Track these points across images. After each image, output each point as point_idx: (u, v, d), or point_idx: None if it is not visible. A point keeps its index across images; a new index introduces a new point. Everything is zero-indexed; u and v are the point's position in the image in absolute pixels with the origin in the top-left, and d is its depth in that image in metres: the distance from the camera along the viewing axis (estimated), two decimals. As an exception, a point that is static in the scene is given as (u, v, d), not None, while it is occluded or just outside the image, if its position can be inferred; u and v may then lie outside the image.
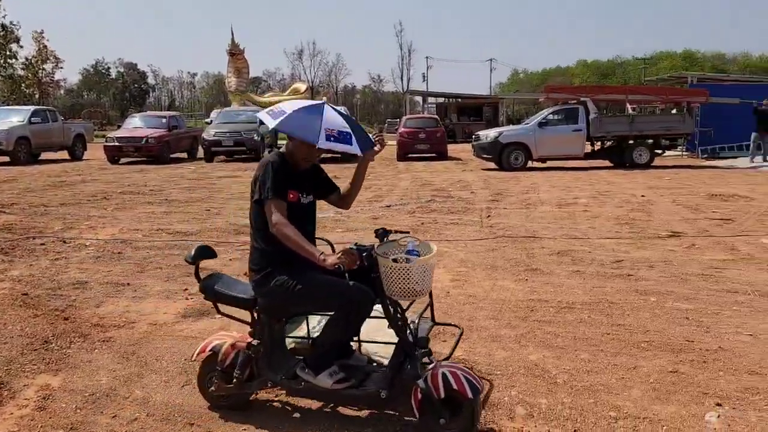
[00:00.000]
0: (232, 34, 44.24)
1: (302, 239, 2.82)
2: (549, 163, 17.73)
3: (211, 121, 25.60)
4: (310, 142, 2.82)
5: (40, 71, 52.49)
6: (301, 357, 3.15)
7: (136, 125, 21.07)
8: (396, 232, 3.20)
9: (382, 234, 3.10)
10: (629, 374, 3.60)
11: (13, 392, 3.46)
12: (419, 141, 21.24)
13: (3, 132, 18.65)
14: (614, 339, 4.15)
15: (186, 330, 4.44)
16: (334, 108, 3.04)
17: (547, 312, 4.72)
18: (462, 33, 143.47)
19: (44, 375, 3.68)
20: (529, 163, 17.33)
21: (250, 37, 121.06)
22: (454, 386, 2.76)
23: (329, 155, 17.41)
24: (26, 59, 51.00)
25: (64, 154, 21.77)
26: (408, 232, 3.26)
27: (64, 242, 7.38)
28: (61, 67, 57.33)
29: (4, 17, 45.46)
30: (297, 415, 3.18)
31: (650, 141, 17.71)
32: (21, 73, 50.68)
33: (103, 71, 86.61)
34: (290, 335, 3.35)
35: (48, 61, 52.82)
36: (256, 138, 20.13)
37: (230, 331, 3.47)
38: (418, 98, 51.25)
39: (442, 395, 2.77)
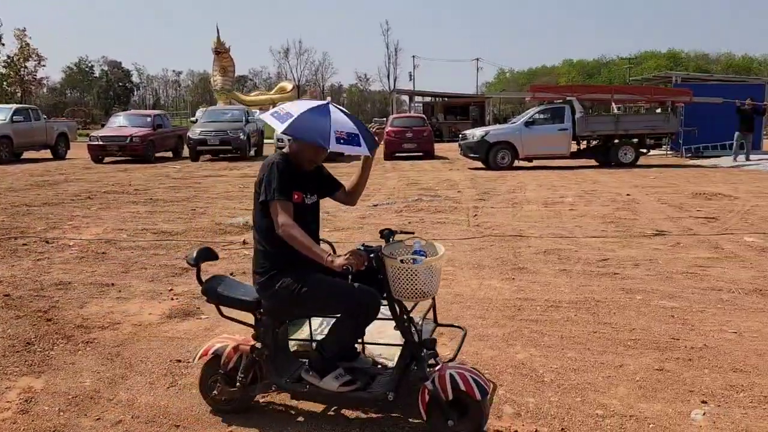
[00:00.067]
0: (218, 32, 44.01)
1: (309, 240, 2.79)
2: (535, 162, 17.81)
3: (197, 119, 25.46)
4: (322, 146, 2.79)
5: (22, 69, 51.87)
6: (305, 360, 3.11)
7: (120, 124, 20.88)
8: (402, 232, 3.16)
9: (387, 234, 3.07)
10: (616, 372, 3.62)
11: (-6, 395, 3.40)
12: (406, 140, 21.25)
13: (-16, 131, 18.40)
14: (601, 337, 4.16)
15: (171, 331, 4.40)
16: (338, 107, 3.00)
17: (533, 311, 4.73)
18: (448, 32, 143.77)
19: (27, 377, 3.63)
20: (516, 162, 17.41)
21: (236, 35, 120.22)
22: (462, 387, 2.73)
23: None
24: (8, 57, 50.42)
25: (46, 153, 21.54)
26: (413, 233, 3.22)
27: (47, 242, 7.29)
28: (44, 65, 56.64)
29: (-15, 15, 44.85)
30: (301, 418, 3.13)
31: (635, 140, 17.86)
32: (3, 71, 50.12)
33: (87, 69, 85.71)
34: (292, 338, 3.30)
35: (30, 59, 52.19)
36: (242, 137, 20.03)
37: (232, 334, 3.42)
38: (405, 97, 51.24)
39: (450, 397, 2.74)
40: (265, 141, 23.91)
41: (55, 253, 6.77)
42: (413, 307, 3.01)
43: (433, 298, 3.12)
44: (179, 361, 3.85)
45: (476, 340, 4.13)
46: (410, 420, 3.02)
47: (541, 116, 17.80)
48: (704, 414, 3.12)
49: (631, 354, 3.88)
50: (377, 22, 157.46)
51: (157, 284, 5.55)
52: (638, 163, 17.59)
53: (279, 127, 2.82)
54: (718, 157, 19.68)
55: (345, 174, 3.86)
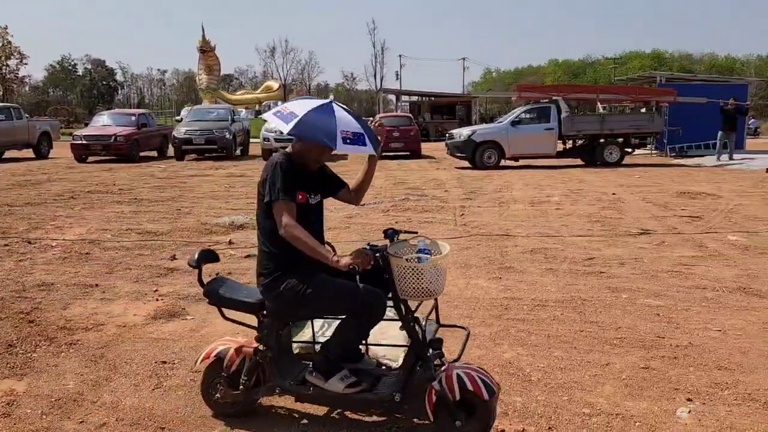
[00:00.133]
0: (203, 30, 43.82)
1: (313, 241, 2.76)
2: (522, 162, 17.88)
3: (182, 119, 25.27)
4: (329, 146, 2.76)
5: (4, 68, 51.23)
6: (308, 362, 3.07)
7: (104, 123, 20.66)
8: (406, 232, 3.14)
9: (391, 234, 3.04)
10: (602, 371, 3.64)
11: (-25, 399, 3.34)
12: (393, 139, 21.22)
13: (-35, 129, 18.13)
14: (587, 336, 4.18)
15: (156, 332, 4.35)
16: (340, 105, 2.97)
17: (520, 310, 4.74)
18: (435, 32, 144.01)
19: (8, 380, 3.57)
20: (502, 162, 17.47)
21: (222, 34, 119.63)
22: (470, 387, 2.71)
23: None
24: (-11, 55, 49.75)
25: (29, 153, 21.25)
26: (416, 232, 3.19)
27: (29, 243, 7.19)
28: (26, 64, 56.00)
29: (-35, 12, 44.24)
30: (305, 420, 3.09)
31: (620, 140, 17.98)
32: (-16, 69, 49.42)
33: (70, 68, 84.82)
34: (294, 339, 3.26)
35: (12, 57, 51.57)
36: (227, 136, 19.91)
37: (234, 336, 3.37)
38: (392, 96, 51.23)
39: (458, 397, 2.72)
40: (251, 140, 23.79)
41: (38, 253, 6.68)
42: (417, 308, 2.99)
43: (435, 299, 3.08)
44: (164, 362, 3.81)
45: (463, 339, 4.12)
46: (415, 420, 3.00)
47: (528, 116, 17.88)
48: (689, 412, 3.14)
49: (617, 352, 3.90)
50: (364, 22, 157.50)
51: (141, 285, 5.49)
52: (623, 162, 17.72)
53: (284, 128, 2.78)
54: (702, 156, 19.89)
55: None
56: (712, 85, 23.94)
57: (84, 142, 19.20)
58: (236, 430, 3.03)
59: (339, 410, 3.13)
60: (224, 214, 9.12)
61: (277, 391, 3.00)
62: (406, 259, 2.76)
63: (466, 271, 5.91)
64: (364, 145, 2.82)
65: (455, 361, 2.93)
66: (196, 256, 3.06)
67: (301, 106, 2.88)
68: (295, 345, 3.23)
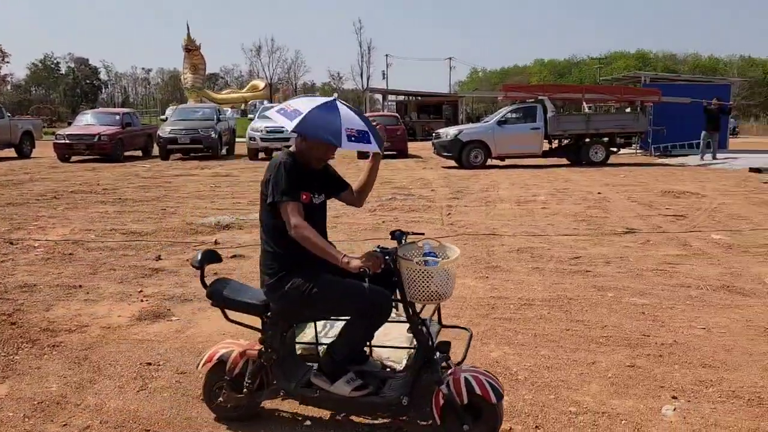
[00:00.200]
0: (188, 29, 43.53)
1: (323, 241, 2.72)
2: (508, 161, 17.95)
3: (167, 118, 25.09)
4: (334, 144, 2.73)
5: (-15, 66, 50.55)
6: (311, 364, 3.03)
7: (87, 122, 20.44)
8: (413, 233, 3.10)
9: (399, 236, 3.00)
10: (588, 369, 3.65)
11: (-45, 402, 3.29)
12: (379, 139, 21.20)
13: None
14: (573, 335, 4.20)
15: (141, 333, 4.31)
16: (344, 103, 2.94)
17: (507, 309, 4.75)
18: (421, 31, 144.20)
19: (-11, 383, 3.52)
20: (489, 161, 17.52)
21: (207, 32, 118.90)
22: (478, 391, 2.68)
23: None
24: (-30, 53, 49.08)
25: (11, 152, 20.96)
26: (423, 233, 3.16)
27: (11, 243, 7.09)
28: (8, 62, 55.38)
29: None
30: (308, 422, 3.06)
31: (606, 139, 18.12)
32: (-35, 67, 48.74)
33: (53, 66, 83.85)
34: (296, 341, 3.21)
35: (-7, 55, 50.91)
36: (213, 136, 19.80)
37: (235, 338, 3.33)
38: (378, 96, 51.23)
39: (466, 401, 2.70)
40: (237, 140, 23.68)
41: (20, 254, 6.59)
42: (421, 310, 2.96)
43: None
44: (149, 364, 3.77)
45: (450, 338, 4.11)
46: (419, 422, 2.98)
47: (514, 115, 17.95)
48: (675, 409, 3.16)
49: (603, 351, 3.92)
50: (350, 21, 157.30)
51: (126, 286, 5.43)
52: (609, 161, 17.86)
53: (288, 125, 2.74)
54: (686, 155, 20.09)
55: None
56: (695, 85, 24.19)
57: (67, 141, 18.99)
58: (228, 432, 3.00)
59: (342, 413, 3.09)
60: (210, 214, 9.06)
61: (282, 394, 2.96)
62: (417, 263, 2.73)
63: (453, 270, 5.91)
64: (369, 142, 2.78)
65: (460, 363, 2.90)
66: (199, 257, 3.01)
67: (304, 104, 2.84)
68: (297, 346, 3.19)
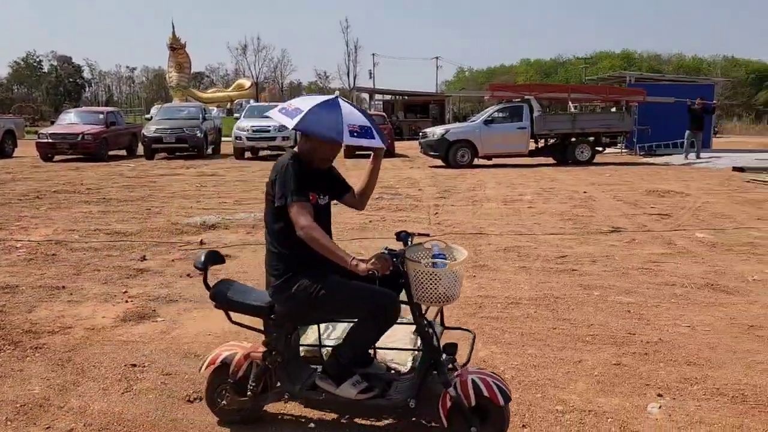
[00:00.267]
0: (173, 27, 43.24)
1: (332, 243, 2.70)
2: (495, 160, 18.02)
3: (152, 117, 24.89)
4: (336, 140, 2.70)
5: (-33, 64, 49.77)
6: (315, 366, 3.00)
7: (71, 121, 20.21)
8: (419, 234, 3.08)
9: (404, 237, 2.98)
10: (575, 368, 3.67)
11: (-65, 406, 3.23)
12: (366, 138, 21.17)
13: (-75, 127, 17.57)
14: (560, 333, 4.22)
15: (126, 334, 4.26)
16: (347, 101, 2.91)
17: (494, 308, 4.76)
18: (408, 31, 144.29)
19: (-30, 386, 3.46)
20: (476, 160, 17.57)
21: (192, 31, 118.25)
22: (485, 393, 2.67)
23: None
24: (-49, 51, 48.31)
25: (-7, 151, 20.70)
26: (428, 234, 3.14)
27: (-7, 244, 6.99)
28: (-10, 60, 54.40)
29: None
30: (312, 425, 3.03)
31: (591, 138, 18.23)
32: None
33: (35, 64, 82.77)
34: (299, 343, 3.18)
35: (-25, 53, 50.14)
36: (198, 135, 19.67)
37: (240, 341, 3.30)
38: (365, 95, 51.16)
39: (473, 403, 2.69)
40: (223, 139, 23.54)
41: (2, 255, 6.50)
42: (425, 311, 2.94)
43: None
44: (134, 365, 3.73)
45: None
46: (424, 423, 2.96)
47: (500, 115, 18.02)
48: (660, 407, 3.18)
49: (590, 349, 3.94)
50: (337, 20, 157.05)
51: (110, 286, 5.38)
52: (594, 161, 17.98)
53: (289, 123, 2.71)
54: (670, 155, 20.29)
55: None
56: (679, 85, 24.44)
57: (50, 140, 18.76)
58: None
59: (347, 415, 3.06)
60: (195, 214, 8.99)
61: (286, 396, 2.93)
62: (425, 264, 2.72)
63: (440, 269, 5.91)
64: (372, 137, 2.75)
65: (465, 364, 2.89)
66: (203, 258, 2.96)
67: (305, 102, 2.81)
68: (300, 348, 3.15)
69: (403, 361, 3.08)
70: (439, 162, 17.78)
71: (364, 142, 2.73)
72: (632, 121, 19.15)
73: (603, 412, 3.13)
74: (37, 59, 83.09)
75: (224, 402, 2.98)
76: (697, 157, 18.37)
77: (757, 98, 62.62)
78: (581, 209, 9.43)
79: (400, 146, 24.35)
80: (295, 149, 2.93)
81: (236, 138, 19.66)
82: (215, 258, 3.04)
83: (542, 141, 18.59)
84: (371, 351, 3.09)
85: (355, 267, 2.60)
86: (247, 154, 20.12)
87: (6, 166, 17.34)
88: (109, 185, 12.70)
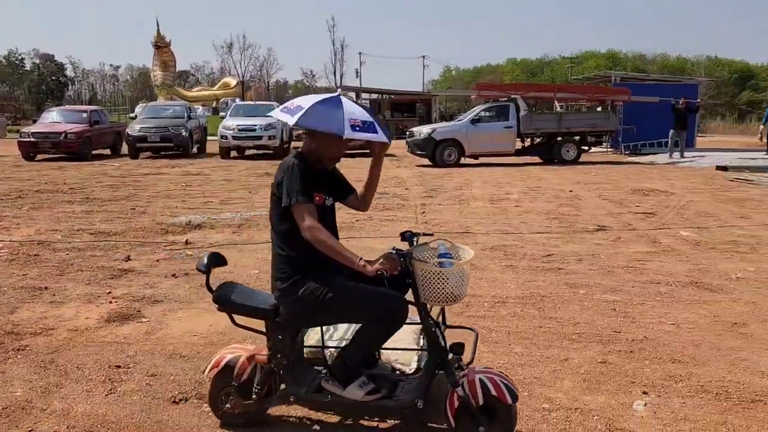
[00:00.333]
0: (158, 25, 42.82)
1: (338, 244, 2.67)
2: (481, 159, 18.07)
3: (136, 115, 24.68)
4: (336, 133, 2.66)
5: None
6: (320, 368, 2.97)
7: (53, 120, 19.97)
8: (424, 234, 3.06)
9: (410, 237, 2.96)
10: (561, 366, 3.68)
11: None
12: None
13: None
14: (546, 332, 4.23)
15: (110, 335, 4.21)
16: (349, 98, 2.89)
17: (481, 307, 4.77)
18: (395, 30, 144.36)
19: (-50, 389, 3.40)
20: (462, 160, 17.61)
21: (177, 29, 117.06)
22: (493, 392, 2.66)
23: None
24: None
25: (-26, 150, 20.44)
26: (432, 234, 3.12)
27: (-26, 244, 6.89)
28: (-30, 58, 53.69)
29: None
30: (317, 427, 3.00)
31: (577, 138, 18.35)
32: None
33: (17, 62, 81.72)
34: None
35: (-45, 51, 49.39)
36: (184, 134, 19.53)
37: (244, 344, 3.26)
38: (352, 94, 50.97)
39: (481, 402, 2.68)
40: (209, 138, 23.40)
41: (-17, 255, 6.41)
42: (430, 310, 2.92)
43: None
44: (118, 366, 3.69)
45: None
46: (430, 425, 2.94)
47: (487, 114, 18.07)
48: (645, 404, 3.21)
49: (576, 348, 3.96)
50: (323, 18, 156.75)
51: (94, 287, 5.31)
52: (580, 160, 18.09)
53: (290, 120, 2.70)
54: (655, 154, 20.45)
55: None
56: (664, 84, 24.66)
57: (32, 139, 18.54)
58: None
59: (351, 417, 3.04)
60: (181, 214, 8.92)
61: (291, 399, 2.89)
62: (433, 264, 2.70)
63: (427, 268, 5.91)
64: (375, 132, 2.74)
65: (469, 364, 2.88)
66: (206, 260, 2.92)
67: (307, 100, 2.79)
68: (304, 350, 3.13)
69: (408, 362, 3.06)
70: (426, 161, 17.80)
71: (366, 136, 2.70)
72: (617, 121, 19.29)
73: (589, 410, 3.15)
74: (19, 57, 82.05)
75: (228, 405, 2.94)
76: (681, 156, 18.54)
77: (740, 98, 63.34)
78: (567, 208, 9.48)
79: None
80: (300, 149, 2.90)
81: (222, 137, 19.54)
82: (218, 260, 2.99)
83: (528, 140, 18.67)
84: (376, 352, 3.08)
85: (363, 268, 2.59)
86: (233, 154, 20.00)
87: (-13, 165, 17.11)
88: (93, 185, 12.57)
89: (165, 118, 20.30)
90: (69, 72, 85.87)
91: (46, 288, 5.26)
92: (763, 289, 5.16)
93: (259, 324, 2.94)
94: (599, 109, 19.88)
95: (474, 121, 17.73)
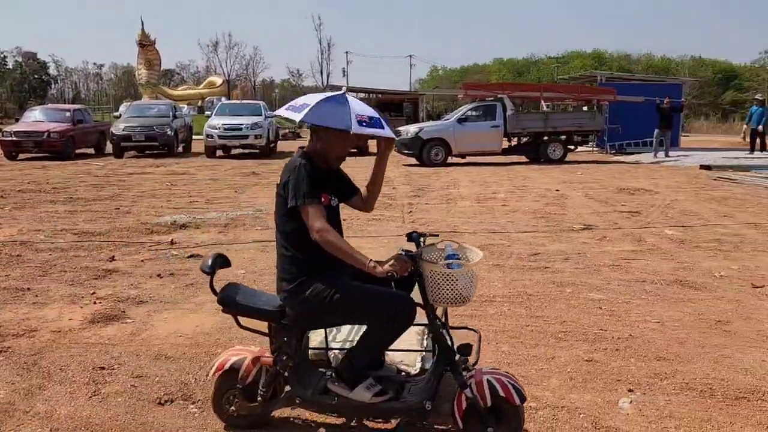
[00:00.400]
0: (142, 23, 42.56)
1: (348, 246, 2.64)
2: (468, 159, 18.11)
3: (120, 115, 24.46)
4: (344, 128, 2.63)
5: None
6: (323, 369, 2.94)
7: (36, 119, 19.76)
8: (430, 235, 3.04)
9: (416, 237, 2.94)
10: (548, 365, 3.70)
11: None
12: (340, 136, 21.09)
13: None
14: (533, 331, 4.25)
15: (94, 337, 4.17)
16: (354, 97, 2.86)
17: (468, 306, 4.74)
18: (382, 29, 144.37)
19: (-70, 392, 3.34)
20: (449, 159, 17.64)
21: (162, 27, 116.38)
22: (501, 393, 2.65)
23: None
24: None
25: (-45, 150, 20.13)
26: (438, 235, 3.11)
27: (-45, 245, 6.79)
28: (-49, 56, 52.91)
29: None
30: (322, 429, 2.98)
31: (563, 137, 18.45)
32: None
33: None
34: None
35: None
36: (169, 133, 19.39)
37: (247, 345, 3.22)
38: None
39: (489, 403, 2.67)
40: (194, 137, 23.24)
41: (-36, 256, 6.31)
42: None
43: None
44: (102, 368, 3.65)
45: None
46: (436, 427, 2.93)
47: (474, 113, 18.11)
48: (631, 402, 3.23)
49: (562, 346, 3.98)
50: (309, 17, 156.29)
51: (77, 288, 5.25)
52: (566, 159, 18.20)
53: (296, 117, 2.67)
54: (640, 153, 20.62)
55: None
56: (649, 84, 24.87)
57: (14, 138, 18.32)
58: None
59: (355, 418, 2.99)
60: (166, 213, 8.86)
61: (297, 401, 2.85)
62: (442, 266, 2.69)
63: (414, 268, 5.91)
64: (382, 128, 2.72)
65: (474, 364, 2.86)
66: (210, 262, 2.88)
67: (313, 98, 2.77)
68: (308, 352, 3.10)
69: (412, 363, 3.04)
70: (413, 160, 17.81)
71: (373, 131, 2.69)
72: (603, 120, 19.43)
73: (575, 408, 3.16)
74: (1, 55, 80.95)
75: (233, 408, 2.91)
76: (666, 155, 18.71)
77: (723, 98, 63.97)
78: (553, 207, 9.53)
79: (373, 144, 24.08)
80: (306, 149, 2.87)
81: (208, 136, 19.42)
82: (223, 261, 2.96)
83: (515, 139, 18.75)
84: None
85: (373, 270, 2.57)
86: (219, 153, 19.89)
87: (-31, 164, 16.88)
88: (77, 184, 12.44)
89: (150, 117, 20.15)
90: (52, 70, 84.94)
91: (28, 289, 5.19)
92: (746, 287, 5.22)
93: (265, 326, 2.91)
94: (585, 108, 20.01)
95: (461, 120, 17.77)
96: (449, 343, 2.77)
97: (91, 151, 21.03)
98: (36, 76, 79.44)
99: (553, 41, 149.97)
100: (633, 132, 21.25)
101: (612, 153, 21.41)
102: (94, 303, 4.84)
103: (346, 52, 68.20)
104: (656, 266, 5.90)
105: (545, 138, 18.26)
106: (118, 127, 19.47)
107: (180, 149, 20.91)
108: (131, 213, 8.97)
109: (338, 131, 2.69)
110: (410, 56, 74.72)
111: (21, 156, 18.69)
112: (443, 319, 2.97)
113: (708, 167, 15.39)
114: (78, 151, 19.71)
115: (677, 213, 8.94)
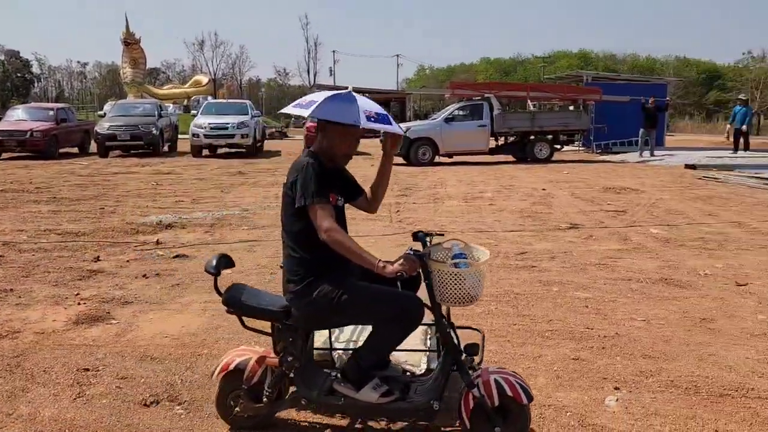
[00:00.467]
0: (127, 21, 42.15)
1: (357, 246, 2.62)
2: (455, 158, 18.15)
3: (105, 113, 24.24)
4: (353, 123, 2.62)
5: None
6: (328, 370, 2.92)
7: (19, 117, 19.55)
8: (436, 234, 3.02)
9: (422, 237, 2.92)
10: (535, 363, 3.71)
11: None
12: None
13: None
14: (520, 329, 4.26)
15: (78, 338, 4.12)
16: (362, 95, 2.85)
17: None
18: (368, 28, 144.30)
19: None
20: (437, 158, 17.67)
21: (147, 25, 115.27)
22: (509, 393, 2.64)
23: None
24: None
25: (-64, 149, 19.83)
26: (443, 234, 3.08)
27: (-64, 246, 6.68)
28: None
29: None
30: (328, 431, 2.95)
31: (550, 136, 18.55)
32: None
33: (-20, 59, 79.66)
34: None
35: None
36: (154, 132, 19.25)
37: (252, 346, 3.18)
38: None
39: (497, 403, 2.66)
40: (180, 136, 23.09)
41: (-55, 257, 6.22)
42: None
43: None
44: (87, 369, 3.61)
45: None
46: (442, 428, 2.92)
47: (461, 113, 18.16)
48: (617, 400, 3.24)
49: (549, 344, 3.99)
50: (296, 16, 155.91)
51: (61, 288, 5.19)
52: (553, 158, 18.29)
53: (305, 113, 2.67)
54: (626, 152, 20.78)
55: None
56: (634, 84, 25.10)
57: (-3, 137, 18.10)
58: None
59: (360, 419, 2.99)
60: (151, 213, 8.79)
61: (303, 402, 2.84)
62: (450, 265, 2.68)
63: (401, 267, 5.91)
64: (390, 124, 2.72)
65: (479, 363, 2.86)
66: (214, 262, 2.84)
67: (320, 95, 2.76)
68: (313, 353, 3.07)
69: (417, 363, 3.03)
70: (400, 160, 17.82)
71: (382, 126, 2.68)
72: (589, 120, 19.57)
73: (562, 406, 3.18)
74: (-16, 53, 79.92)
75: (238, 409, 2.88)
76: (652, 154, 18.87)
77: (707, 97, 64.66)
78: (540, 206, 9.57)
79: (361, 144, 24.24)
80: (312, 148, 2.84)
81: (193, 135, 19.31)
82: (227, 262, 2.93)
83: (502, 139, 18.82)
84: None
85: (382, 270, 2.56)
86: (205, 152, 19.78)
87: (-50, 164, 16.65)
88: (60, 184, 12.31)
89: (135, 116, 20.01)
90: (35, 69, 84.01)
91: (11, 290, 5.12)
92: (730, 285, 5.27)
93: (268, 326, 2.89)
94: (571, 108, 20.13)
95: (448, 119, 17.81)
96: (456, 342, 2.77)
97: (75, 150, 20.84)
98: (19, 74, 78.49)
99: (539, 41, 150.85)
100: (619, 131, 21.42)
101: (598, 152, 21.56)
102: (79, 304, 4.79)
103: (333, 51, 67.89)
104: (642, 265, 5.95)
105: (532, 137, 18.35)
106: (103, 126, 19.30)
107: (165, 148, 20.78)
108: (116, 213, 8.89)
109: (345, 128, 2.70)
110: (397, 56, 74.98)
111: (4, 155, 18.50)
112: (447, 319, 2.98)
113: (693, 166, 15.54)
114: (62, 150, 19.53)
115: (662, 212, 9.01)
